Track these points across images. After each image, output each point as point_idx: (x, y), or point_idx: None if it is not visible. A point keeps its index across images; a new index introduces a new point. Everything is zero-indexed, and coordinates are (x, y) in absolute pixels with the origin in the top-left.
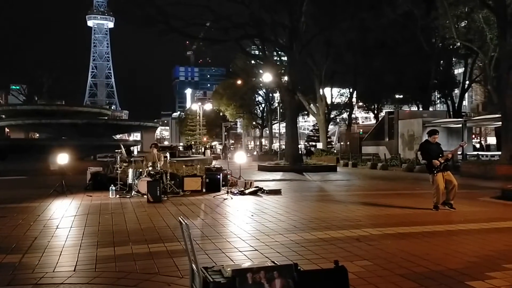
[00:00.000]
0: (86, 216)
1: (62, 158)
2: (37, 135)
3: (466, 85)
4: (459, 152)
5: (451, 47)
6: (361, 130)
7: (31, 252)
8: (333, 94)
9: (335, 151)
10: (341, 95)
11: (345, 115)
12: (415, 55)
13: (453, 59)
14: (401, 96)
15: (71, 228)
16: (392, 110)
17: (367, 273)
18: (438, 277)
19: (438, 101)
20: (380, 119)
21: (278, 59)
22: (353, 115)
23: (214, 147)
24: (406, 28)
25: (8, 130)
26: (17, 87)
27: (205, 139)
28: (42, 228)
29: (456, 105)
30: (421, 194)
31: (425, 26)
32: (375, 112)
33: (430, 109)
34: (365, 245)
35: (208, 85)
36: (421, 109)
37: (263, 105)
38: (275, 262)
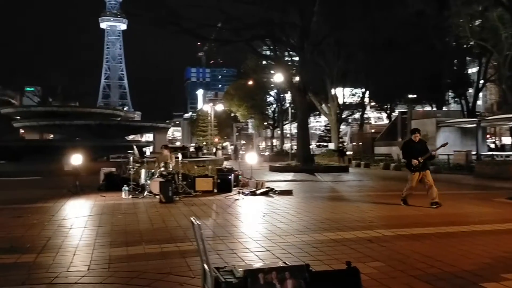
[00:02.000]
0: (100, 216)
1: (76, 159)
2: (51, 136)
3: (480, 85)
4: (474, 152)
5: (464, 46)
6: (373, 130)
7: (46, 251)
8: (345, 94)
9: (346, 151)
10: (353, 95)
11: (357, 115)
12: (428, 54)
13: (467, 58)
14: (414, 96)
15: (85, 228)
16: (405, 110)
17: (380, 274)
18: (451, 279)
19: (452, 101)
20: (393, 119)
21: (289, 59)
22: (365, 115)
23: (225, 147)
24: (418, 27)
25: (23, 131)
26: (32, 89)
27: (216, 139)
28: (56, 228)
29: (470, 104)
30: None
31: (438, 25)
32: (388, 112)
33: (444, 108)
34: (378, 246)
35: (220, 86)
36: (434, 108)
37: (274, 105)
38: (287, 262)
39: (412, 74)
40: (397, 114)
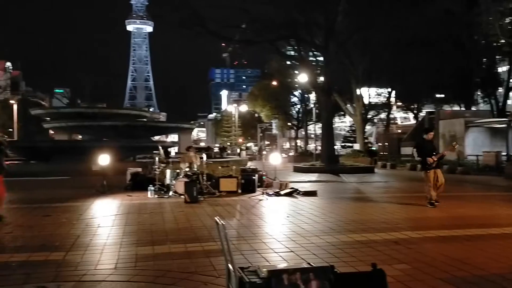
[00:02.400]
0: (126, 215)
1: (103, 159)
2: (80, 136)
3: (510, 83)
4: (504, 153)
5: (494, 44)
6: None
7: (74, 250)
8: (370, 93)
9: (376, 151)
10: (379, 94)
11: (383, 115)
12: (456, 52)
13: (497, 56)
14: (442, 96)
15: (112, 227)
16: (432, 110)
17: (406, 277)
18: (480, 282)
19: (481, 100)
20: (420, 119)
21: (313, 59)
22: (391, 115)
23: (249, 148)
24: (446, 25)
25: (52, 132)
26: (61, 91)
27: (240, 140)
28: (85, 227)
29: (500, 104)
30: (463, 197)
31: (467, 22)
32: (415, 112)
33: (473, 108)
34: (404, 248)
35: (244, 86)
36: (463, 108)
37: (298, 106)
38: (311, 263)
39: (440, 73)
40: (424, 114)
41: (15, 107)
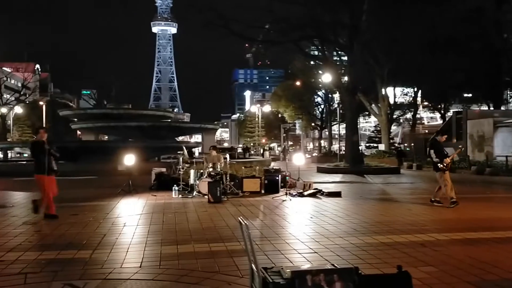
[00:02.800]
0: (151, 214)
1: (129, 159)
2: (106, 137)
3: None
4: None
5: None
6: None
7: (101, 248)
8: (396, 93)
9: (405, 152)
10: (405, 94)
11: (409, 115)
12: (485, 51)
13: None
14: (470, 95)
15: (137, 226)
16: (460, 110)
17: (433, 280)
18: (510, 286)
19: (511, 100)
20: (447, 119)
21: (338, 59)
22: (417, 115)
23: (272, 148)
24: (475, 23)
25: (79, 132)
26: (88, 92)
27: (263, 140)
28: (111, 226)
29: None
30: (492, 198)
31: (497, 20)
32: (442, 112)
33: (502, 108)
34: (431, 250)
35: (267, 87)
36: (492, 108)
37: (322, 106)
38: (335, 265)
39: (468, 73)
40: (451, 114)
41: (44, 108)
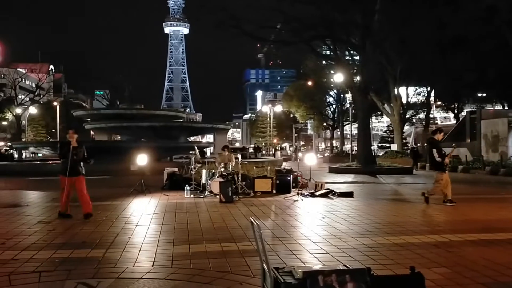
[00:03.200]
0: (163, 214)
1: (141, 159)
2: (119, 137)
3: None
4: None
5: None
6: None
7: (114, 247)
8: (408, 93)
9: (420, 153)
10: (418, 94)
11: (422, 115)
12: (499, 51)
13: None
14: (484, 95)
15: (150, 225)
16: (474, 110)
17: (446, 281)
18: None
19: None
20: (460, 119)
21: (350, 58)
22: (430, 115)
23: (284, 148)
24: (488, 22)
25: (93, 132)
26: (101, 93)
27: (275, 140)
28: (123, 225)
29: None
30: (506, 199)
31: (511, 19)
32: (455, 111)
33: None
34: (444, 251)
35: (279, 87)
36: (506, 107)
37: (334, 106)
38: (347, 265)
39: (482, 72)
40: (465, 114)
41: (58, 108)
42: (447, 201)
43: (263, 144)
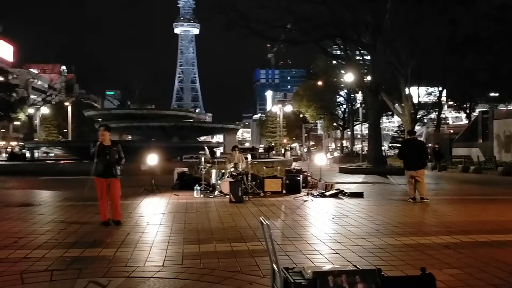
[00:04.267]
0: (173, 214)
1: (152, 159)
2: (129, 137)
3: None
4: None
5: None
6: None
7: (124, 246)
8: (420, 93)
9: (443, 153)
10: (429, 94)
11: (433, 115)
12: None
13: None
14: (497, 94)
15: (160, 225)
16: (486, 109)
17: (457, 282)
18: None
19: None
20: (472, 119)
21: (360, 58)
22: (442, 115)
23: (294, 148)
24: (501, 21)
25: None
26: (112, 93)
27: (285, 140)
28: (134, 225)
29: None
30: None
31: None
32: (467, 111)
33: None
34: (455, 252)
35: (289, 87)
36: None
37: (344, 106)
38: (357, 266)
39: (494, 71)
40: (477, 114)
41: (69, 108)
42: (412, 198)
43: (274, 144)
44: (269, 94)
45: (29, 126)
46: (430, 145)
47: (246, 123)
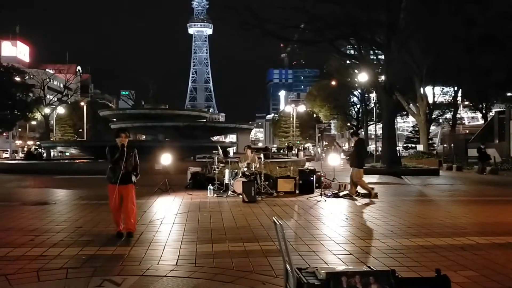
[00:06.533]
0: (187, 213)
1: (166, 159)
2: (143, 137)
3: None
4: None
5: None
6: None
7: (138, 245)
8: (435, 92)
9: (436, 152)
10: (444, 93)
11: (448, 115)
12: None
13: None
14: None
15: (174, 224)
16: (502, 109)
17: (473, 284)
18: None
19: None
20: (489, 119)
21: (374, 58)
22: (457, 115)
23: (307, 148)
24: None
25: None
26: (127, 93)
27: (298, 141)
28: (148, 223)
29: None
30: None
31: None
32: (483, 111)
33: None
34: (471, 254)
35: (302, 86)
36: None
37: (358, 105)
38: (371, 267)
39: (511, 71)
40: (493, 114)
41: (85, 108)
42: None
43: (286, 144)
44: (282, 94)
45: (45, 126)
46: (445, 145)
47: (259, 123)
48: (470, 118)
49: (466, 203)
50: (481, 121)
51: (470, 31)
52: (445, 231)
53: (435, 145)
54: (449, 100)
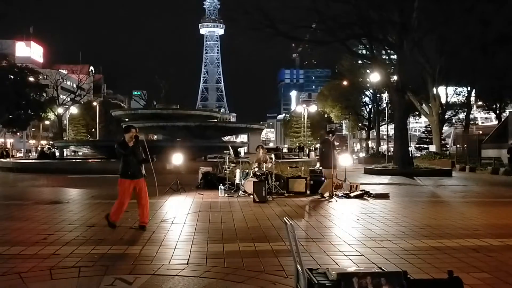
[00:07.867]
0: (198, 213)
1: (177, 158)
2: (155, 136)
3: None
4: None
5: None
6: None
7: (150, 244)
8: (448, 93)
9: (448, 153)
10: (457, 94)
11: (461, 116)
12: None
13: None
14: None
15: (185, 223)
16: None
17: (485, 286)
18: None
19: None
20: (503, 119)
21: (386, 57)
22: (471, 116)
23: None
24: None
25: None
26: (138, 93)
27: (309, 142)
28: (159, 223)
29: None
30: None
31: None
32: (497, 112)
33: None
34: (484, 256)
35: (313, 87)
36: None
37: (370, 106)
38: (383, 268)
39: None
40: (507, 114)
41: (97, 108)
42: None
43: (297, 144)
44: (293, 94)
45: (59, 126)
46: (458, 146)
47: (270, 123)
48: (484, 118)
49: (479, 204)
50: (495, 122)
51: (485, 30)
52: (458, 232)
53: (448, 146)
54: (462, 101)
